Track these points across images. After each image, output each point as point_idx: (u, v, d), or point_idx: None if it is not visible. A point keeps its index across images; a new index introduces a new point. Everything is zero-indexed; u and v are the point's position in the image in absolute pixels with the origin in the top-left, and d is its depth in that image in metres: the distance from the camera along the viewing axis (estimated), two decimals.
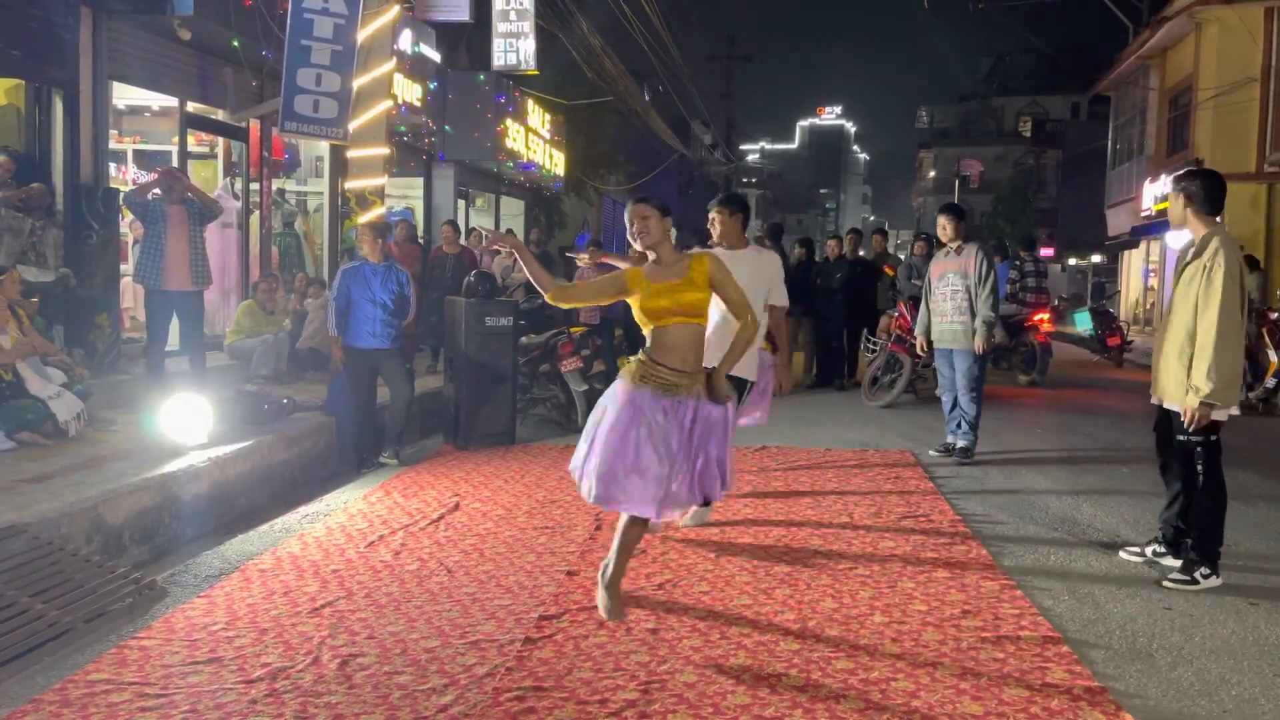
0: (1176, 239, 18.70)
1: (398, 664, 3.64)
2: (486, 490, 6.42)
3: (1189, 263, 4.68)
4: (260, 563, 4.86)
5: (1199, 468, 4.67)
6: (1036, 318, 12.71)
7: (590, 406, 8.96)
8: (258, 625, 4.01)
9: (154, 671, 3.56)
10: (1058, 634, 3.98)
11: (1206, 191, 4.71)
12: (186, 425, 6.24)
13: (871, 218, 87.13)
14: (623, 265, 4.95)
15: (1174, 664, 3.76)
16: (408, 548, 5.11)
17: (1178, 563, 4.84)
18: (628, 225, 4.19)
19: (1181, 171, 4.98)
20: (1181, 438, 4.70)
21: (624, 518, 4.09)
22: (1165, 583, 4.68)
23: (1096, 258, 34.77)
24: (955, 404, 7.62)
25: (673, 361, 4.04)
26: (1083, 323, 17.09)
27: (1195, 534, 4.72)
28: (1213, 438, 4.66)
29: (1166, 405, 4.79)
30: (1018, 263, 13.39)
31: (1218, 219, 4.76)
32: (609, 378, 10.52)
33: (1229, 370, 4.49)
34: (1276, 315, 10.99)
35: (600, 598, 4.16)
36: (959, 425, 7.59)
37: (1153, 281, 25.50)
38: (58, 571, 4.27)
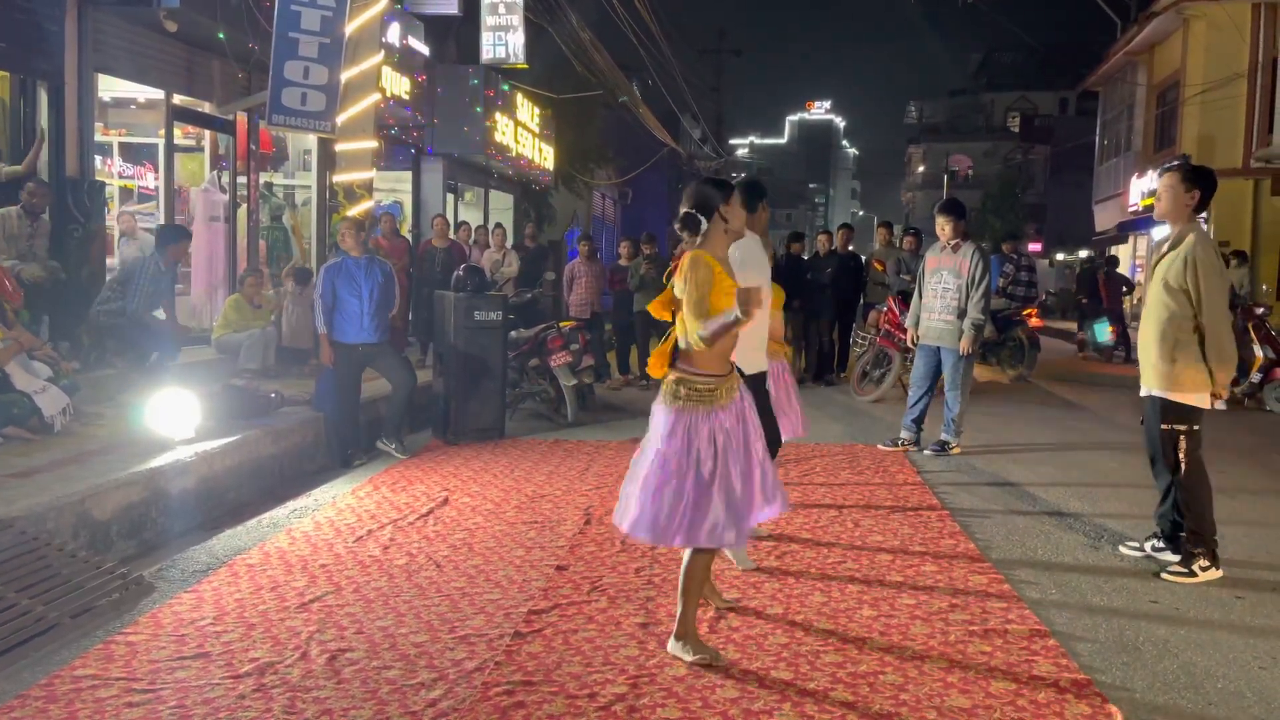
0: (1163, 233, 18.63)
1: (386, 659, 3.64)
2: (475, 485, 6.42)
3: (1164, 254, 4.74)
4: (248, 558, 4.85)
5: (1182, 456, 4.71)
6: (1024, 313, 12.74)
7: (579, 401, 9.11)
8: (245, 620, 4.00)
9: (141, 667, 3.55)
10: (1045, 627, 4.00)
11: (1211, 193, 4.76)
12: (174, 420, 6.21)
13: (861, 213, 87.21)
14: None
15: (1160, 656, 3.79)
16: (396, 542, 5.10)
17: (1176, 557, 4.86)
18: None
19: (1187, 165, 4.89)
20: (1165, 426, 4.74)
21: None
22: (1164, 575, 4.71)
23: (1084, 253, 34.86)
24: (919, 400, 7.66)
25: None
26: (1102, 334, 15.72)
27: (1188, 526, 4.75)
28: (1195, 427, 4.71)
29: (1154, 394, 4.79)
30: (1014, 257, 13.44)
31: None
32: (598, 373, 10.61)
33: (1229, 355, 4.66)
34: (1262, 310, 11.05)
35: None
36: (916, 420, 7.67)
37: (1139, 277, 25.60)
38: (44, 567, 4.25)
